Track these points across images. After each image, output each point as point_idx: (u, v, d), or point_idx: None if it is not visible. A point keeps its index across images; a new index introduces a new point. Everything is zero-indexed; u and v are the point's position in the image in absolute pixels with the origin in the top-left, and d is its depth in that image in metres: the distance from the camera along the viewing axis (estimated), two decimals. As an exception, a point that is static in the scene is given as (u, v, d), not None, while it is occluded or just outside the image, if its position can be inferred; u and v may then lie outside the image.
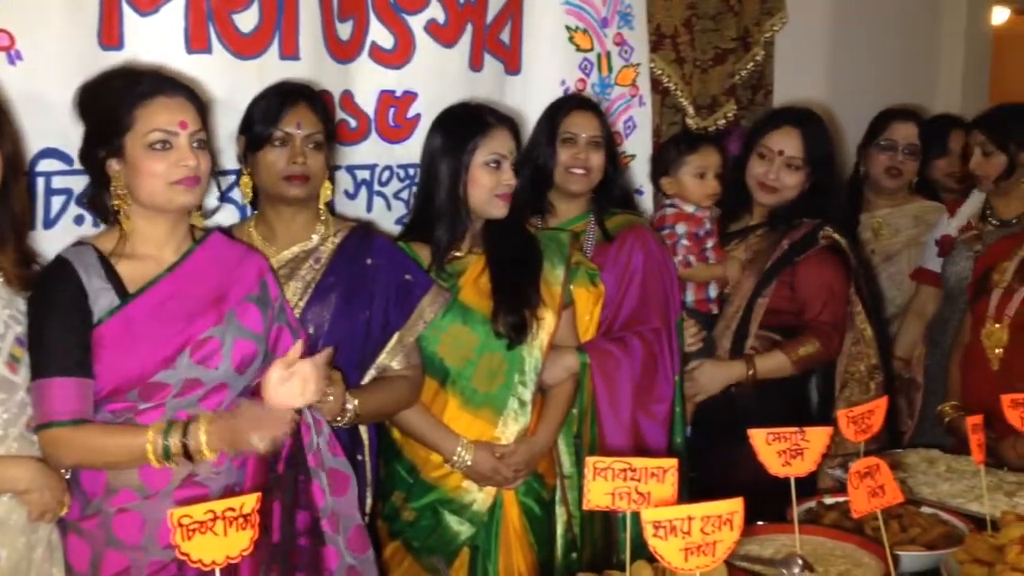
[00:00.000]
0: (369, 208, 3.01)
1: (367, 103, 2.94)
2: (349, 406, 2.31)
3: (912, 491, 2.47)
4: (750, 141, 3.20)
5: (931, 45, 4.87)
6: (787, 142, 3.10)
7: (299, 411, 2.10)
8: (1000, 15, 6.17)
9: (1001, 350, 2.89)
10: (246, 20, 2.63)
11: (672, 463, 1.71)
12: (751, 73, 3.98)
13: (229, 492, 2.08)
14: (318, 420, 2.20)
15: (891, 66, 4.68)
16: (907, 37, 4.78)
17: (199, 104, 2.16)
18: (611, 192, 2.97)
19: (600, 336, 2.83)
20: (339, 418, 2.30)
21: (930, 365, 3.52)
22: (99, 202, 2.16)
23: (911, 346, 3.62)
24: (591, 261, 2.84)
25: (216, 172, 2.28)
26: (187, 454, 1.99)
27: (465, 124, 2.63)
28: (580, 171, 2.89)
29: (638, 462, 1.70)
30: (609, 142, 2.97)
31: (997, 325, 2.91)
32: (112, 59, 2.40)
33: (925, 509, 2.32)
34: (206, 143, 2.15)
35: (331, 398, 2.23)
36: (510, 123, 2.66)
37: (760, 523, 2.11)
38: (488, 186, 2.59)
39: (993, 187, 3.37)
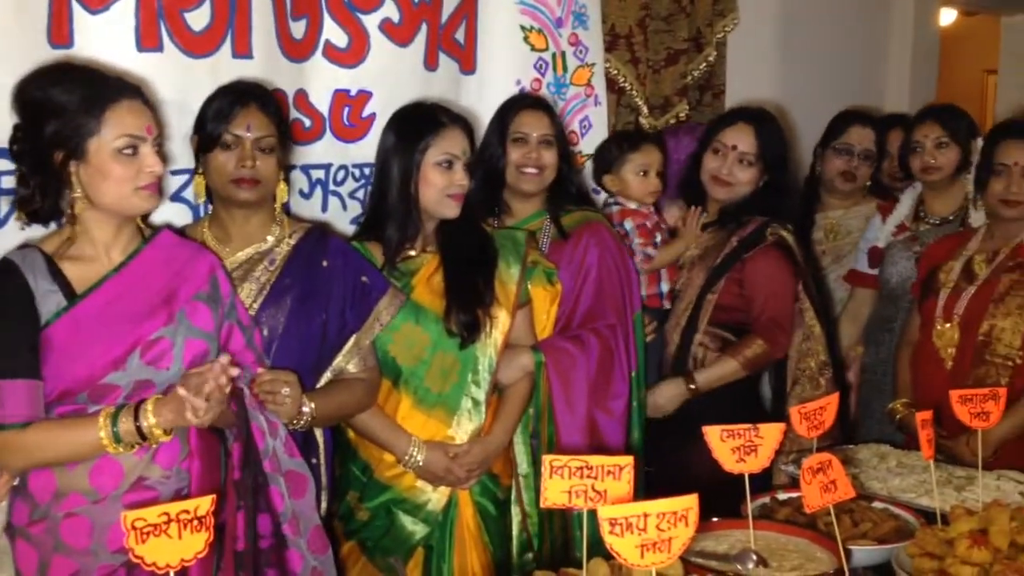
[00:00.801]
0: (324, 208, 2.99)
1: (321, 102, 2.92)
2: (306, 409, 2.30)
3: (864, 486, 2.50)
4: (705, 139, 3.23)
5: (880, 46, 4.93)
6: (741, 138, 3.13)
7: (248, 417, 2.09)
8: (947, 16, 6.28)
9: (953, 349, 2.94)
10: (198, 18, 2.61)
11: (628, 460, 1.72)
12: (703, 73, 4.01)
13: (178, 496, 2.06)
14: (273, 423, 2.18)
15: (841, 67, 4.73)
16: (856, 38, 4.84)
17: (152, 105, 2.14)
18: (566, 190, 2.98)
19: (556, 334, 2.84)
20: (296, 421, 2.29)
21: (870, 364, 3.56)
22: (43, 203, 2.07)
23: (847, 349, 3.66)
24: (547, 258, 2.85)
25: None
26: (141, 436, 1.97)
27: (417, 123, 2.63)
28: (532, 170, 2.90)
29: (594, 460, 1.71)
30: (561, 140, 2.97)
31: (947, 325, 2.96)
32: (62, 58, 2.37)
33: (876, 504, 2.35)
34: (163, 145, 2.13)
35: (288, 400, 2.22)
36: (463, 123, 2.66)
37: (715, 519, 2.12)
38: (440, 186, 2.58)
39: (948, 181, 3.43)
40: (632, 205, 3.14)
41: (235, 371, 2.02)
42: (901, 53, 4.95)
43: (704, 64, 3.99)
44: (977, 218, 3.11)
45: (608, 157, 3.19)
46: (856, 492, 2.00)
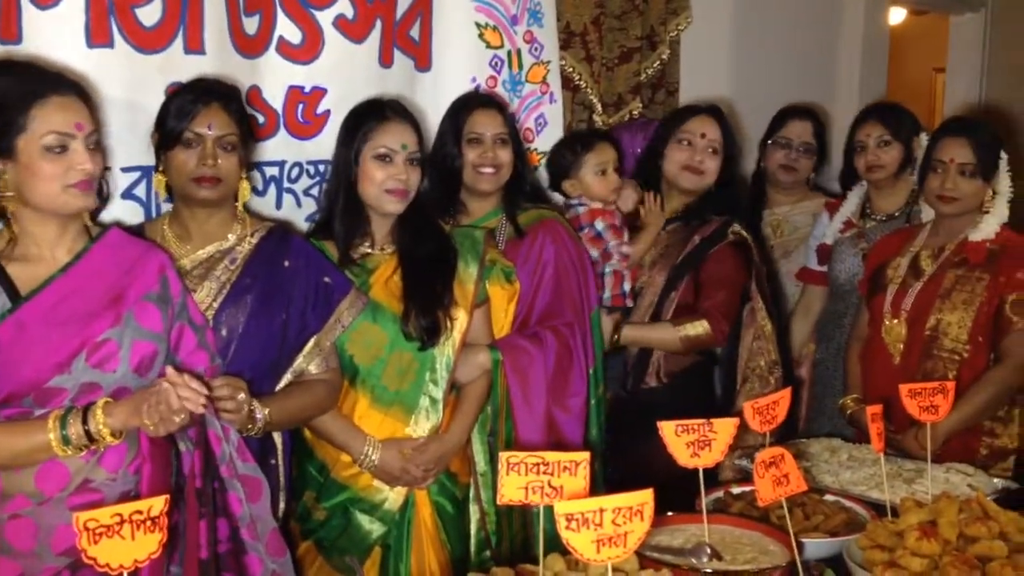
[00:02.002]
0: (278, 205, 2.97)
1: (275, 98, 2.90)
2: (259, 415, 2.28)
3: (815, 480, 2.54)
4: (664, 133, 3.24)
5: (831, 44, 4.98)
6: (707, 127, 3.17)
7: (204, 421, 2.08)
8: (897, 15, 6.36)
9: (902, 344, 2.99)
10: (149, 14, 2.58)
11: (584, 456, 1.73)
12: (656, 71, 4.03)
13: (125, 498, 2.03)
14: (226, 428, 2.16)
15: (793, 65, 4.78)
16: (808, 37, 4.89)
17: (90, 102, 2.10)
18: (521, 188, 2.98)
19: (514, 332, 2.84)
20: (249, 428, 2.27)
21: (821, 359, 3.60)
22: None
23: (800, 345, 3.71)
24: (504, 257, 2.85)
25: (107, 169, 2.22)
26: (90, 439, 1.96)
27: (360, 116, 2.63)
28: (489, 170, 2.89)
29: (551, 456, 1.72)
30: (515, 138, 2.97)
31: (895, 320, 3.00)
32: (11, 54, 2.33)
33: (828, 497, 2.38)
34: (99, 143, 2.09)
35: (244, 408, 2.21)
36: (409, 118, 2.64)
37: (670, 514, 2.14)
38: (377, 180, 2.57)
39: (892, 178, 3.48)
40: (597, 205, 3.14)
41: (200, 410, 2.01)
42: (851, 51, 5.01)
43: (657, 62, 4.01)
44: (928, 214, 3.16)
45: (564, 162, 3.18)
46: (808, 486, 2.03)
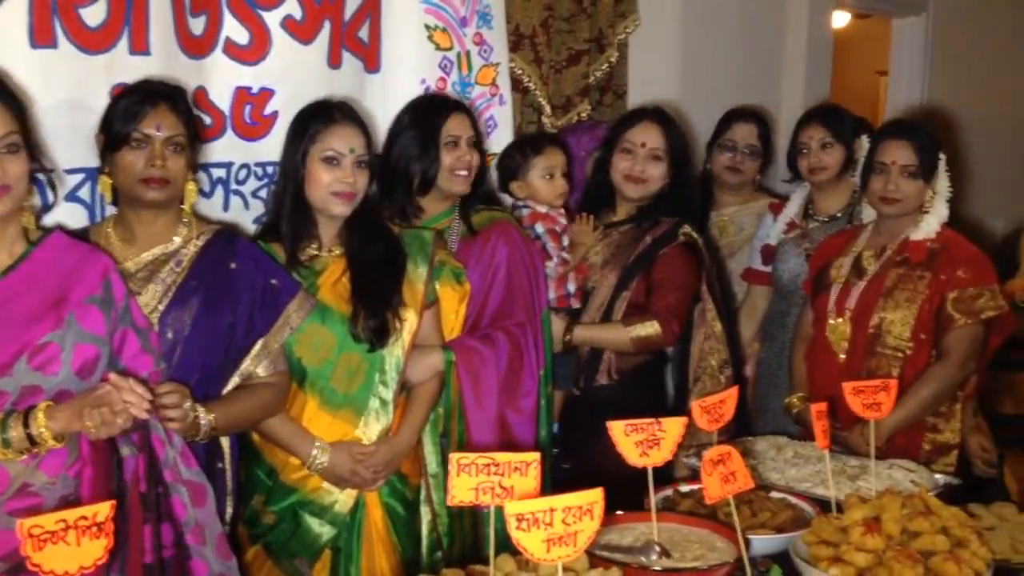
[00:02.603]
0: (226, 207, 2.95)
1: (222, 100, 2.88)
2: (203, 421, 2.27)
3: (762, 477, 2.57)
4: (611, 140, 3.27)
5: (776, 48, 5.04)
6: (649, 135, 3.20)
7: (148, 426, 2.06)
8: (840, 19, 6.45)
9: (846, 343, 3.03)
10: (93, 14, 2.54)
11: (534, 457, 1.74)
12: (605, 74, 4.05)
13: (64, 502, 2.01)
14: (170, 432, 2.15)
15: (739, 68, 4.83)
16: (753, 40, 4.94)
17: (13, 104, 2.07)
18: (476, 189, 2.99)
19: (466, 333, 2.84)
20: (193, 434, 2.25)
21: (766, 358, 3.65)
22: None
23: (744, 344, 3.76)
24: (456, 257, 2.85)
25: (43, 171, 2.19)
26: (31, 442, 1.94)
27: (308, 118, 2.61)
28: (464, 172, 2.90)
29: (501, 457, 1.72)
30: (481, 140, 3.00)
31: (840, 320, 3.05)
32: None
33: (774, 494, 2.41)
34: (19, 146, 2.05)
35: (189, 416, 2.19)
36: (358, 121, 2.63)
37: (620, 512, 2.16)
38: (324, 182, 2.56)
39: (834, 179, 3.54)
40: (542, 209, 3.16)
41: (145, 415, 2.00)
42: (796, 54, 5.07)
43: (606, 65, 4.04)
44: (868, 214, 3.22)
45: (512, 164, 3.21)
46: (755, 483, 2.06)
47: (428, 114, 2.93)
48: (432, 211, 2.96)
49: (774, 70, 5.01)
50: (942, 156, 3.04)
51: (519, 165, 3.18)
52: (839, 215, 3.55)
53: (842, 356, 3.03)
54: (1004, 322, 2.96)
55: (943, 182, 3.03)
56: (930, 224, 3.01)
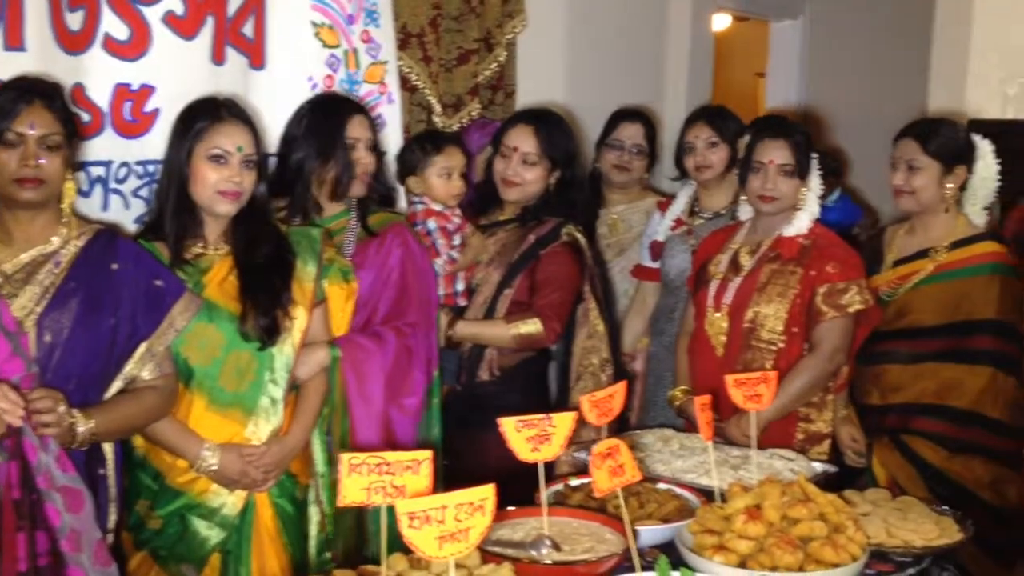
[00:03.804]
0: (105, 207, 2.87)
1: (101, 96, 2.80)
2: (81, 428, 2.21)
3: (649, 469, 2.62)
4: (495, 142, 3.31)
5: (659, 50, 5.13)
6: (521, 139, 3.23)
7: (21, 432, 2.00)
8: (721, 21, 6.61)
9: (724, 337, 3.12)
10: (-36, 8, 2.46)
11: (427, 455, 1.74)
12: (494, 73, 4.08)
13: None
14: (45, 438, 2.09)
15: (625, 69, 4.90)
16: (638, 42, 5.02)
17: None
18: (375, 189, 2.99)
19: (355, 331, 2.83)
20: (71, 441, 2.19)
21: (655, 353, 3.72)
22: None
23: (634, 341, 3.83)
24: (352, 258, 2.85)
25: None
26: None
27: (194, 115, 2.57)
28: (363, 176, 2.90)
29: (392, 456, 1.73)
30: (376, 139, 3.00)
31: (717, 314, 3.13)
32: None
33: (661, 485, 2.46)
34: None
35: (65, 422, 2.14)
36: (246, 120, 2.60)
37: (511, 508, 2.18)
38: (210, 181, 2.52)
39: (719, 178, 3.63)
40: (437, 207, 3.17)
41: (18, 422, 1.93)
42: (679, 56, 5.17)
43: (495, 64, 4.06)
44: (744, 212, 3.32)
45: (411, 159, 3.22)
46: (642, 475, 2.10)
47: (330, 116, 2.92)
48: (330, 210, 2.95)
49: (658, 71, 5.11)
50: (814, 154, 3.16)
51: (419, 161, 3.20)
52: (724, 212, 3.65)
53: (720, 350, 3.11)
54: (870, 315, 3.08)
55: (815, 180, 3.14)
56: (802, 220, 3.11)
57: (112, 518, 2.43)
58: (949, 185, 3.16)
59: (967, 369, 3.08)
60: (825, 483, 2.54)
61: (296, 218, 2.87)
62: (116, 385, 2.37)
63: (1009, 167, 3.27)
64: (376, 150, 2.98)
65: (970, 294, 3.10)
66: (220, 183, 2.52)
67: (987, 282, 3.10)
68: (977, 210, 3.25)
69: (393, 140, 3.52)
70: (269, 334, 2.55)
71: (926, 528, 2.27)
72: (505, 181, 3.25)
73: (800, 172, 3.08)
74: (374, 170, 2.95)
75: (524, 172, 3.23)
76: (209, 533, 2.54)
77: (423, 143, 3.25)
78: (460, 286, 3.17)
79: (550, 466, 2.20)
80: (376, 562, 1.82)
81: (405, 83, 3.68)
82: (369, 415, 2.79)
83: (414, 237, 3.00)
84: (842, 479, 2.83)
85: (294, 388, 2.66)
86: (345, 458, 1.71)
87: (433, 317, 2.97)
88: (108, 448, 2.41)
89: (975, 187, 3.22)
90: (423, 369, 2.90)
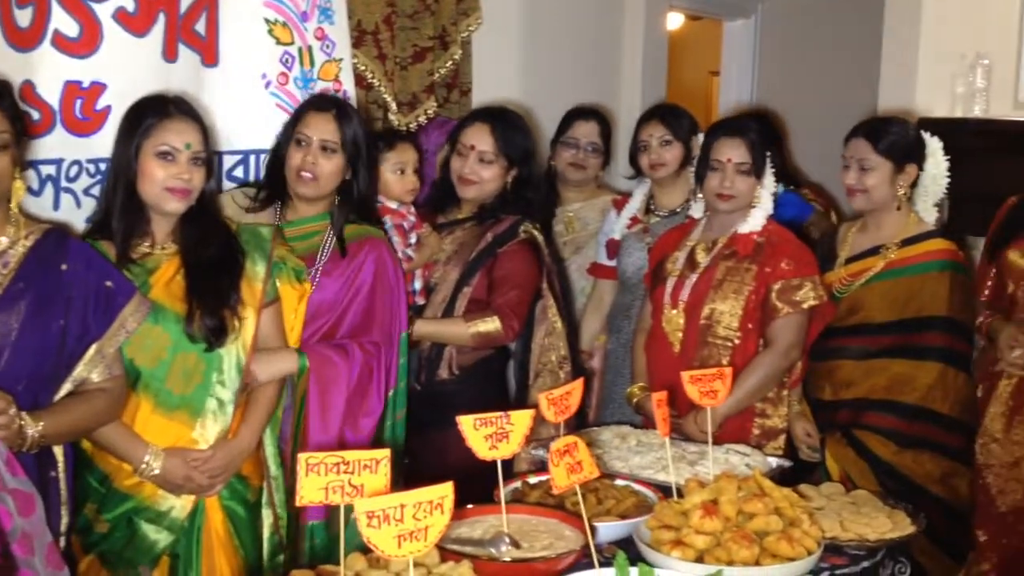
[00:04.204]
0: (56, 206, 2.83)
1: (51, 94, 2.76)
2: (30, 431, 2.18)
3: (607, 465, 2.63)
4: (452, 141, 3.30)
5: (614, 48, 5.15)
6: (478, 137, 3.23)
7: None
8: (675, 20, 6.65)
9: (681, 333, 3.14)
10: (-90, 3, 2.41)
11: (385, 453, 1.74)
12: (450, 71, 4.07)
13: None
14: None
15: (579, 67, 4.92)
16: (593, 40, 5.04)
17: None
18: (350, 199, 2.94)
19: (322, 341, 2.81)
20: (19, 445, 2.16)
21: (612, 350, 3.73)
22: None
23: (591, 339, 3.85)
24: (322, 265, 2.83)
25: None
26: None
27: (142, 112, 2.54)
28: (307, 175, 2.86)
29: (350, 455, 1.72)
30: (350, 148, 2.89)
31: (674, 311, 3.16)
32: None
33: (619, 482, 2.47)
34: None
35: (14, 425, 2.10)
36: (194, 116, 2.57)
37: (470, 506, 2.18)
38: (158, 178, 2.49)
39: (673, 176, 3.66)
40: (391, 204, 3.16)
41: None
42: (633, 55, 5.20)
43: (450, 62, 4.05)
44: (696, 210, 3.35)
45: None
46: (600, 472, 2.11)
47: (297, 111, 2.94)
48: (304, 212, 2.93)
49: (612, 70, 5.13)
50: (768, 153, 3.19)
51: None
52: (679, 210, 3.67)
53: (677, 346, 3.13)
54: (824, 311, 3.12)
55: (769, 178, 3.17)
56: (756, 218, 3.14)
57: (64, 521, 2.39)
58: (901, 183, 3.20)
59: (917, 365, 3.13)
60: (780, 478, 2.57)
61: (268, 208, 2.87)
62: (66, 387, 2.33)
63: (958, 165, 3.32)
64: (346, 153, 2.90)
65: (920, 291, 3.15)
66: (168, 180, 2.49)
67: (937, 279, 3.15)
68: (927, 207, 3.30)
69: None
70: (216, 335, 2.51)
71: (879, 522, 2.30)
72: (462, 179, 3.25)
73: (757, 171, 3.11)
74: (333, 172, 2.89)
75: (481, 170, 3.23)
76: (158, 537, 2.50)
77: (376, 140, 3.23)
78: (418, 284, 3.17)
79: (510, 464, 2.21)
80: (335, 562, 1.81)
81: (360, 81, 3.67)
82: (325, 432, 2.77)
83: (390, 253, 2.95)
84: (797, 474, 2.86)
85: (245, 389, 2.62)
86: (303, 458, 1.70)
87: (396, 338, 2.92)
88: (59, 451, 2.38)
89: (926, 185, 3.27)
90: (380, 391, 2.87)
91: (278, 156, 2.93)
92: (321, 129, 2.88)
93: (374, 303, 2.88)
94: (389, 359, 2.89)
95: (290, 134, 2.91)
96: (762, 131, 3.23)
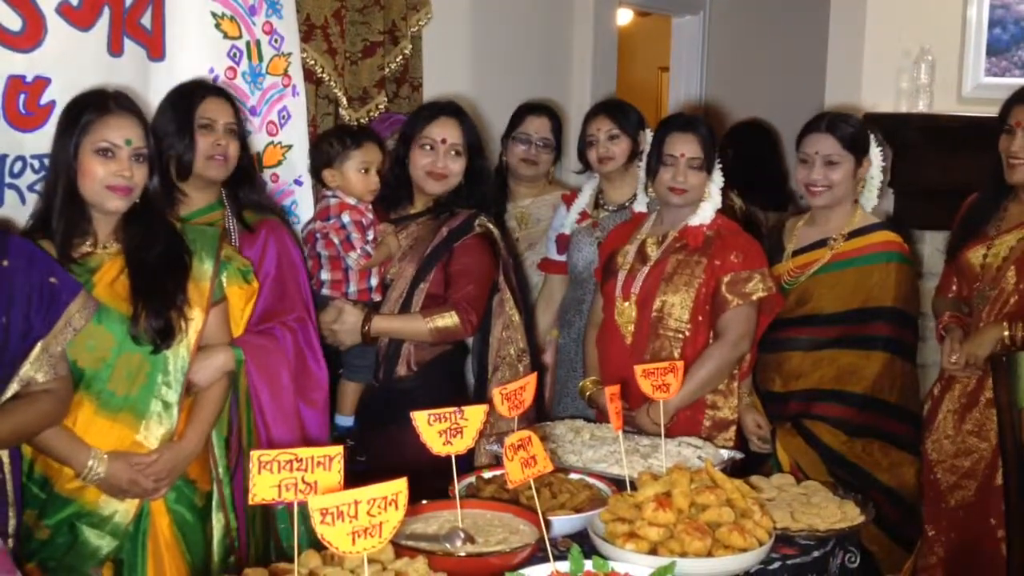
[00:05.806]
0: (0, 202, 2.79)
1: (-8, 89, 2.72)
2: None
3: (561, 459, 2.64)
4: (408, 135, 3.27)
5: (564, 44, 5.17)
6: (448, 131, 3.22)
7: None
8: (624, 16, 6.68)
9: (632, 326, 3.16)
10: None
11: (338, 451, 1.73)
12: (400, 66, 4.06)
13: None
14: None
15: (530, 62, 4.93)
16: (543, 35, 5.06)
17: None
18: (245, 182, 2.94)
19: (246, 332, 2.77)
20: None
21: (564, 345, 3.75)
22: None
23: (544, 334, 3.87)
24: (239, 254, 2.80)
25: None
26: None
27: (81, 107, 2.48)
28: (220, 158, 2.84)
29: (303, 452, 1.71)
30: (243, 129, 2.93)
31: (626, 304, 3.18)
32: None
33: (573, 475, 2.49)
34: None
35: None
36: (135, 111, 2.52)
37: (425, 502, 2.18)
38: (98, 175, 2.43)
39: (622, 170, 3.68)
40: (351, 201, 3.14)
41: None
42: (583, 50, 5.22)
43: (400, 57, 4.04)
44: (641, 204, 3.37)
45: (330, 151, 3.16)
46: (554, 466, 2.12)
47: (183, 97, 2.87)
48: (198, 201, 2.89)
49: (563, 65, 5.15)
50: (717, 148, 3.22)
51: (336, 153, 3.14)
52: (628, 204, 3.69)
53: (629, 339, 3.15)
54: (773, 303, 3.16)
55: (717, 173, 3.20)
56: (706, 211, 3.17)
57: (12, 523, 2.34)
58: (860, 177, 3.25)
59: (864, 355, 3.17)
60: (732, 469, 2.61)
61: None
62: (12, 388, 2.28)
63: (903, 159, 3.37)
64: (240, 135, 2.91)
65: (867, 282, 3.19)
66: (108, 178, 2.44)
67: (884, 270, 3.19)
68: (872, 199, 3.35)
69: (299, 133, 3.48)
70: (162, 337, 2.47)
71: (829, 512, 2.34)
72: (433, 174, 3.21)
73: (708, 166, 3.14)
74: (237, 154, 2.88)
75: (452, 164, 3.21)
76: (100, 543, 2.46)
77: (342, 137, 3.20)
78: (374, 281, 3.15)
79: (467, 459, 2.21)
80: (288, 559, 1.80)
81: (310, 76, 3.64)
82: (283, 414, 2.75)
83: (289, 233, 2.96)
84: (748, 465, 2.89)
85: (189, 392, 2.59)
86: (255, 456, 1.69)
87: (312, 311, 2.93)
88: (4, 452, 2.33)
89: (870, 177, 3.31)
90: (319, 363, 2.87)
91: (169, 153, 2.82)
92: (223, 112, 2.86)
93: (284, 281, 2.86)
94: (318, 330, 2.91)
95: (188, 124, 2.82)
96: (712, 128, 3.25)
